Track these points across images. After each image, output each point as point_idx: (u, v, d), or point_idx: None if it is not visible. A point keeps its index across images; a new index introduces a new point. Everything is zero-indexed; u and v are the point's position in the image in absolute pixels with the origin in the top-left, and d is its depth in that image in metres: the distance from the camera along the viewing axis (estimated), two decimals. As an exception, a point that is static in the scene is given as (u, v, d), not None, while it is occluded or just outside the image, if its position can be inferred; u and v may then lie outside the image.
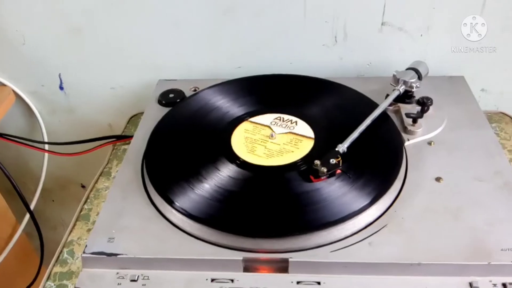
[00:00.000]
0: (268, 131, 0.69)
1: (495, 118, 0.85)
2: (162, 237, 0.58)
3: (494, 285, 0.53)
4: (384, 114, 0.71)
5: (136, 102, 0.95)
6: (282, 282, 0.54)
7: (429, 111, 0.73)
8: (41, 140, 1.01)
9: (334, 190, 0.60)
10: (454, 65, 0.83)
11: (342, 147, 0.63)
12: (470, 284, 0.53)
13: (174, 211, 0.60)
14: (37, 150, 0.93)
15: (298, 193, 0.60)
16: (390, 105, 0.74)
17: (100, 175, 0.80)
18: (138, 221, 0.60)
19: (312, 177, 0.60)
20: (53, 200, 1.18)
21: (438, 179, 0.63)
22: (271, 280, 0.54)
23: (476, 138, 0.69)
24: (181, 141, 0.71)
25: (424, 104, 0.70)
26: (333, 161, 0.61)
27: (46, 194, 1.13)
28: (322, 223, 0.56)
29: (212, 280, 0.55)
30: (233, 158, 0.65)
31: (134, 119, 0.93)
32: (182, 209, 0.59)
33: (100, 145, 0.86)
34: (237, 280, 0.54)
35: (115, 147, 0.86)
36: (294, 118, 0.72)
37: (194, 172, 0.64)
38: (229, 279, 0.54)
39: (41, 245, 0.91)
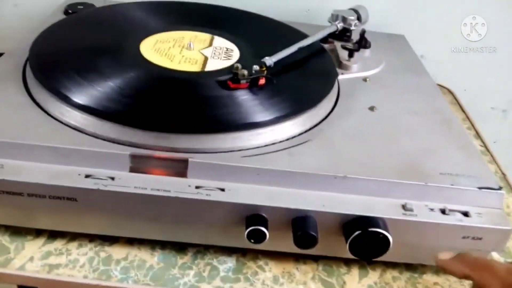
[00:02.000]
0: (185, 41, 0.59)
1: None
2: (31, 124, 0.45)
3: (431, 209, 0.44)
4: (319, 47, 0.64)
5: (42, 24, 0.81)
6: (176, 185, 0.43)
7: (367, 53, 0.67)
8: None
9: (253, 97, 0.50)
10: (395, 24, 0.78)
11: (269, 60, 0.54)
12: (403, 206, 0.44)
13: (52, 97, 0.47)
14: None
15: (211, 96, 0.50)
16: (327, 42, 0.67)
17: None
18: (7, 107, 0.47)
19: (229, 82, 0.51)
20: None
21: (371, 108, 0.55)
22: (163, 182, 0.43)
23: (414, 81, 0.63)
24: (72, 36, 0.59)
25: (362, 37, 0.63)
26: (256, 67, 0.52)
27: None
28: (234, 125, 0.46)
29: (87, 176, 0.42)
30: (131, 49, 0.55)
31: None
32: (60, 93, 0.47)
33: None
34: (119, 179, 0.42)
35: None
36: (218, 38, 0.62)
37: (83, 61, 0.52)
38: (109, 177, 0.42)
39: None
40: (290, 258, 0.47)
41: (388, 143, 0.50)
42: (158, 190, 0.42)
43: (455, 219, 0.44)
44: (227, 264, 0.46)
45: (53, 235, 0.46)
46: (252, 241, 0.42)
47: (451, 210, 0.44)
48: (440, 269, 0.40)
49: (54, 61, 0.52)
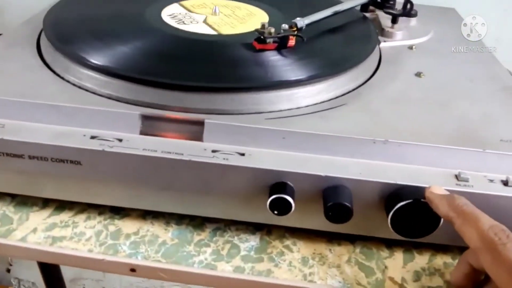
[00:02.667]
0: (211, 6, 0.54)
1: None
2: (38, 84, 0.42)
3: (491, 180, 0.37)
4: (360, 15, 0.58)
5: None
6: (190, 149, 0.38)
7: (413, 22, 0.60)
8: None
9: (281, 58, 0.44)
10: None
11: (300, 21, 0.48)
12: (457, 176, 0.37)
13: (60, 56, 0.44)
14: None
15: (233, 56, 0.45)
16: (368, 11, 0.61)
17: None
18: (16, 67, 0.44)
19: (255, 43, 0.45)
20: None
21: (418, 74, 0.48)
22: (175, 144, 0.38)
23: (469, 51, 0.56)
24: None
25: (407, 1, 0.56)
26: (285, 26, 0.46)
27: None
28: (257, 83, 0.41)
29: (93, 137, 0.38)
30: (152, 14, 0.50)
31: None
32: (68, 50, 0.43)
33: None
34: (127, 141, 0.38)
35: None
36: (247, 5, 0.57)
37: (95, 22, 0.49)
38: (116, 139, 0.38)
39: None
40: (322, 239, 0.41)
41: (438, 109, 0.43)
42: (170, 153, 0.37)
43: (521, 192, 0.36)
44: (250, 242, 0.40)
45: (61, 207, 0.42)
46: (276, 212, 0.36)
47: (516, 182, 0.37)
48: (427, 200, 0.35)
49: (66, 22, 0.49)
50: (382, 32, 0.56)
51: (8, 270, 1.16)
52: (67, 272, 1.05)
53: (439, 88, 0.46)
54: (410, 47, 0.55)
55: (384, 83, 0.46)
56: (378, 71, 0.49)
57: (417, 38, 0.57)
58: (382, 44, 0.54)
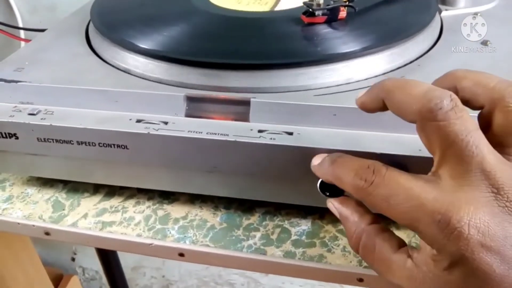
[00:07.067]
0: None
1: None
2: (85, 70, 0.42)
3: None
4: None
5: None
6: (236, 129, 0.36)
7: (477, -12, 0.55)
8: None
9: (331, 31, 0.42)
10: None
11: (352, -8, 0.45)
12: None
13: (105, 41, 0.44)
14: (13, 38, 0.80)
15: (278, 32, 0.43)
16: (426, -21, 0.57)
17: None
18: (64, 56, 0.44)
19: (303, 17, 0.43)
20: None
21: (484, 43, 0.44)
22: (221, 126, 0.37)
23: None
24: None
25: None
26: (335, -3, 0.44)
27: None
28: (304, 58, 0.38)
29: (138, 121, 0.37)
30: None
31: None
32: (113, 34, 0.43)
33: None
34: (173, 123, 0.37)
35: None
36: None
37: (146, 8, 0.48)
38: (162, 122, 0.37)
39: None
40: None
41: (507, 78, 0.38)
42: (215, 134, 0.36)
43: None
44: (301, 227, 0.38)
45: (111, 192, 0.42)
46: (327, 193, 0.34)
47: None
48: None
49: (112, 10, 0.49)
50: (442, 0, 0.52)
51: (73, 259, 1.21)
52: (128, 261, 1.08)
53: (508, 56, 0.42)
54: (474, 15, 0.50)
55: (446, 54, 0.42)
56: (439, 41, 0.45)
57: (482, 5, 0.52)
58: (444, 13, 0.50)
